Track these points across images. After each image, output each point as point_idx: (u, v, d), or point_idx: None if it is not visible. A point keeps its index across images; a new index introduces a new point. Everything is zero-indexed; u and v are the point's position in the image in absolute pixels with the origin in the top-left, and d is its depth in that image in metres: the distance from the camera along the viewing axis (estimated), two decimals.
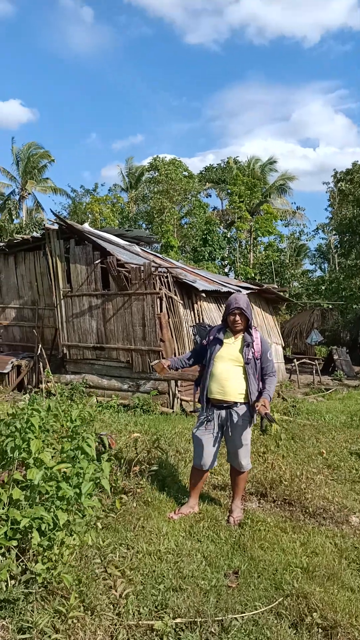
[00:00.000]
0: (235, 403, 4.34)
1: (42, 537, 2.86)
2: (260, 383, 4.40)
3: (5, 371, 12.13)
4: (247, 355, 4.29)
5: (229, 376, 4.33)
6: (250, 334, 4.36)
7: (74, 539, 2.90)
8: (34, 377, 12.21)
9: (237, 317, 4.30)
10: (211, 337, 4.47)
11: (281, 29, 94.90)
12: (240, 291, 12.92)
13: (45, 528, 2.83)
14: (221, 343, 4.40)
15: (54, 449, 3.14)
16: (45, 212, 36.94)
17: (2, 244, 13.20)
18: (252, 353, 4.29)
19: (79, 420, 3.10)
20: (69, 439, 3.03)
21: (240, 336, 4.39)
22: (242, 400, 4.35)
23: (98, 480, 2.94)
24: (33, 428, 2.69)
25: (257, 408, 4.16)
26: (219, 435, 4.49)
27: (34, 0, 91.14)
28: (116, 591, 2.84)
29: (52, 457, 3.04)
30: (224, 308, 4.48)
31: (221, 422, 4.44)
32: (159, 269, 10.26)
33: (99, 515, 4.12)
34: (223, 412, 4.41)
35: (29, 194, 36.50)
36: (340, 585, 3.53)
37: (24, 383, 12.38)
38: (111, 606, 3.14)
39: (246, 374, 4.31)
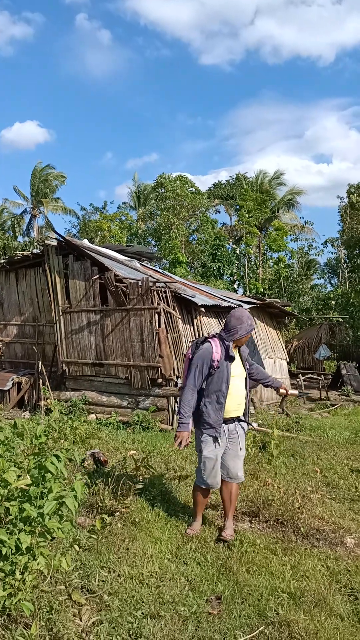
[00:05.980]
0: (244, 415, 4.53)
1: (4, 562, 2.70)
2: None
3: (6, 388, 12.03)
4: (248, 369, 4.52)
5: (242, 392, 4.46)
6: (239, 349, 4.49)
7: (38, 564, 2.74)
8: (35, 394, 12.10)
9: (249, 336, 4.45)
10: (219, 358, 4.25)
11: (296, 49, 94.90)
12: (242, 306, 12.75)
13: (6, 552, 2.67)
14: (233, 361, 4.32)
15: (19, 468, 2.98)
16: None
17: (3, 260, 13.22)
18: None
19: (44, 437, 2.95)
20: (34, 457, 2.89)
21: (236, 351, 4.47)
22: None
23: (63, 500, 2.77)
24: None
25: (281, 391, 4.87)
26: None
27: (51, 23, 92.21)
28: (81, 620, 2.66)
29: (19, 476, 2.89)
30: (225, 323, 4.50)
31: (227, 437, 4.48)
32: (157, 284, 10.14)
33: (78, 537, 3.97)
34: (232, 426, 4.46)
35: (40, 213, 36.88)
36: (328, 613, 3.32)
37: (25, 400, 12.28)
38: (83, 634, 2.97)
39: (246, 385, 4.49)
